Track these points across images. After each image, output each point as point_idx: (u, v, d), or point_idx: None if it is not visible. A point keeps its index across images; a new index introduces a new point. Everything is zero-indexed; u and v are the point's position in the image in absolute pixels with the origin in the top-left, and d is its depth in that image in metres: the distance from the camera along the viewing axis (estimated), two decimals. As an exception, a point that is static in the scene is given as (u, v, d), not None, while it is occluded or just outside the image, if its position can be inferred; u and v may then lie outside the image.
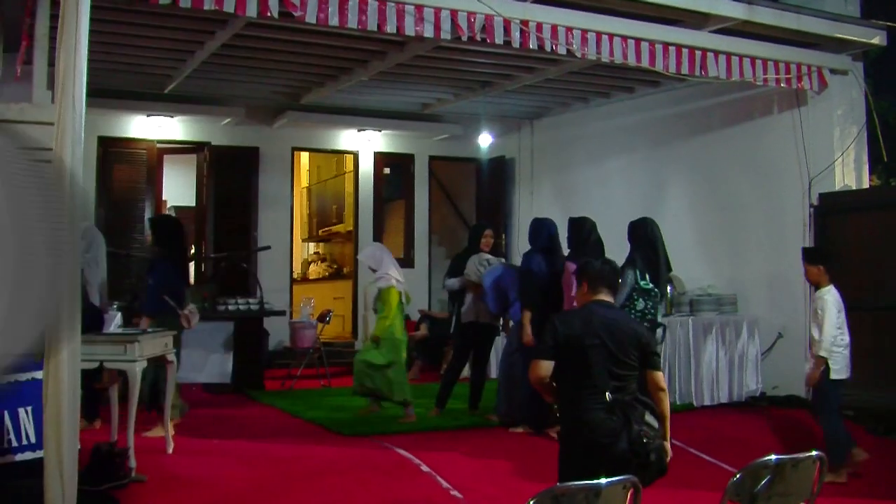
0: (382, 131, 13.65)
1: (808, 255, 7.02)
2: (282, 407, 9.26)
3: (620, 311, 4.97)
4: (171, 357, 6.88)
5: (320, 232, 15.96)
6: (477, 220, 14.16)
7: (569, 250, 8.02)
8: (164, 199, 13.02)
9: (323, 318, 11.42)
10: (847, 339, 6.79)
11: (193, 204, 13.04)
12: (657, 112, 11.55)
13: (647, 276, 7.45)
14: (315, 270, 15.98)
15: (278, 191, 13.10)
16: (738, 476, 3.42)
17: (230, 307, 10.33)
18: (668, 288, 9.78)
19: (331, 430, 7.99)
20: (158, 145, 12.42)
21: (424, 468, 6.52)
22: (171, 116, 12.22)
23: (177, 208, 14.08)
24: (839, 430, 6.70)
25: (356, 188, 13.87)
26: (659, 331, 7.55)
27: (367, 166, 13.87)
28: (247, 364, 10.32)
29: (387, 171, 14.32)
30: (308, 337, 11.52)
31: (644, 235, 7.70)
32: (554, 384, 4.55)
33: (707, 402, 9.33)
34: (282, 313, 11.40)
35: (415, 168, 14.26)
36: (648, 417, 4.41)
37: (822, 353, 6.64)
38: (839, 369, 6.71)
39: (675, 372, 9.34)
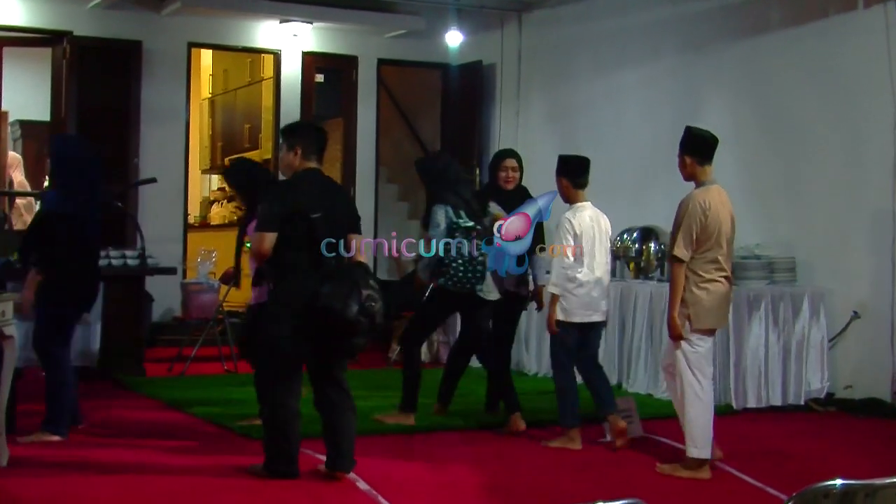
0: (314, 24, 13.59)
1: (562, 167, 7.91)
2: (168, 399, 9.23)
3: (329, 178, 6.58)
4: (10, 331, 6.74)
5: (227, 161, 15.82)
6: (442, 146, 14.09)
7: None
8: (3, 110, 12.87)
9: (228, 278, 11.33)
10: (593, 276, 7.70)
11: (47, 118, 12.92)
12: (693, 5, 11.48)
13: (464, 213, 8.09)
14: (219, 213, 15.91)
15: (169, 103, 13.06)
16: (789, 505, 3.38)
17: (99, 262, 10.19)
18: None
19: (235, 433, 7.97)
20: (-5, 34, 12.33)
21: (361, 484, 6.50)
22: (15, -7, 12.14)
23: (23, 123, 13.87)
24: (567, 383, 7.70)
25: (277, 102, 13.89)
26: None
27: (292, 71, 13.86)
28: (120, 341, 10.27)
29: (320, 78, 14.33)
30: (207, 304, 11.52)
31: (445, 172, 8.29)
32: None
33: (752, 405, 9.39)
34: (171, 271, 11.32)
35: (358, 75, 14.26)
36: (372, 280, 6.16)
37: (550, 288, 7.68)
38: (568, 310, 7.63)
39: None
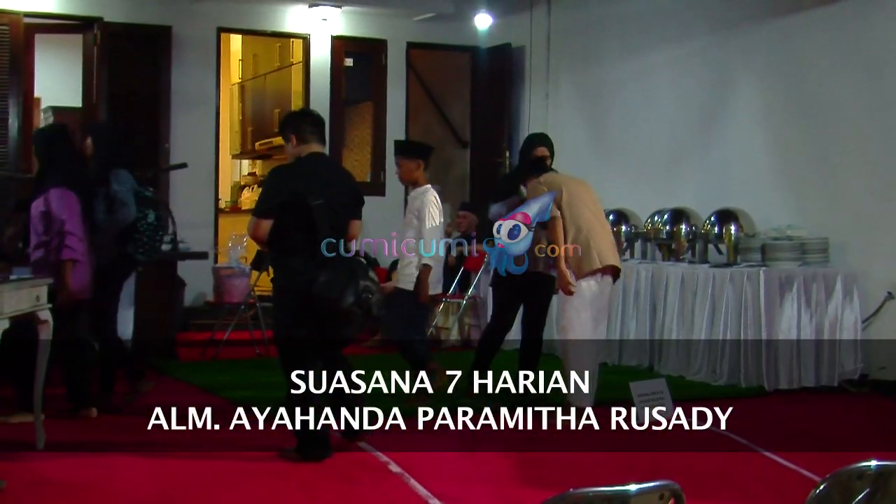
0: (343, 7, 13.60)
1: (405, 150, 8.69)
2: (201, 384, 9.25)
3: (334, 161, 6.74)
4: (46, 315, 6.75)
5: (257, 145, 15.95)
6: (472, 129, 14.07)
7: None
8: (36, 96, 12.92)
9: (259, 263, 11.36)
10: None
11: (79, 104, 12.93)
12: (724, -16, 11.40)
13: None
14: (250, 198, 15.93)
15: (199, 88, 13.08)
16: (822, 487, 3.36)
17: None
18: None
19: (267, 416, 7.94)
20: (27, 20, 12.29)
21: (394, 467, 6.51)
22: (47, -20, 12.14)
23: (56, 110, 13.89)
24: (417, 346, 8.35)
25: (306, 86, 13.89)
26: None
27: (321, 56, 13.86)
28: (154, 325, 10.29)
29: (349, 62, 14.33)
30: (238, 288, 11.50)
31: (121, 139, 8.59)
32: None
33: (783, 386, 9.34)
34: (203, 256, 11.36)
35: (387, 59, 14.25)
36: (371, 272, 6.32)
37: (426, 260, 8.18)
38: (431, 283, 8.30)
39: (739, 343, 9.30)
